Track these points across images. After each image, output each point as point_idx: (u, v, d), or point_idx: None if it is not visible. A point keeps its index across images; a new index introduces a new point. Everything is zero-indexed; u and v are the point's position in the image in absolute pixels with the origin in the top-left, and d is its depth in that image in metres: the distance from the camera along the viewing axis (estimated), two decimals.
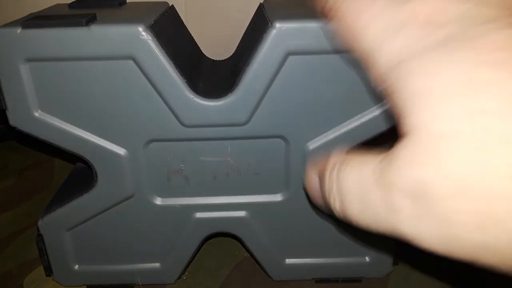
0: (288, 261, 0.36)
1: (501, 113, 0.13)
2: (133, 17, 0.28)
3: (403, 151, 0.15)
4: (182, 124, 0.29)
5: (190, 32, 0.38)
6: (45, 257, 0.34)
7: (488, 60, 0.13)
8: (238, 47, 0.37)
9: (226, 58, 0.38)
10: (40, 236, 0.33)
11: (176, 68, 0.27)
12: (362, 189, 0.16)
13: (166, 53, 0.27)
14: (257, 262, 0.36)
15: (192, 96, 0.28)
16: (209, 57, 0.39)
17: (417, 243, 0.15)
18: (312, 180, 0.20)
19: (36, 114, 0.29)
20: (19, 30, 0.26)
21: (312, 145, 0.30)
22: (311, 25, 0.27)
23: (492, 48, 0.14)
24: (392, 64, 0.16)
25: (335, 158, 0.18)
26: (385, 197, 0.15)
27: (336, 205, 0.17)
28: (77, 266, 0.35)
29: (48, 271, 0.35)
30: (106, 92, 0.28)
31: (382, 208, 0.15)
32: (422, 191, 0.14)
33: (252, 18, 0.36)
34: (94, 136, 0.30)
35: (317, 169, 0.20)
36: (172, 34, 0.31)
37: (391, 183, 0.15)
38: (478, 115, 0.13)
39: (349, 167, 0.17)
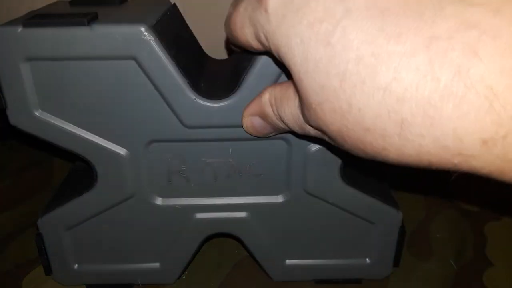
0: (289, 262, 0.36)
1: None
2: (135, 17, 0.28)
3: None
4: (183, 125, 0.29)
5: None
6: (45, 256, 0.34)
7: None
8: None
9: (228, 56, 0.38)
10: (39, 235, 0.33)
11: (178, 68, 0.27)
12: (296, 118, 0.23)
13: (168, 53, 0.27)
14: (257, 262, 0.36)
15: (194, 97, 0.28)
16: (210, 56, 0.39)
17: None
18: (254, 121, 0.27)
19: (37, 114, 0.29)
20: (19, 29, 0.26)
21: (314, 147, 0.30)
22: None
23: None
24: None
25: (269, 98, 0.25)
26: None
27: (285, 126, 0.25)
28: (76, 265, 0.35)
29: (48, 271, 0.35)
30: (107, 92, 0.28)
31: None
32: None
33: None
34: (95, 136, 0.30)
35: (253, 112, 0.27)
36: (174, 33, 0.31)
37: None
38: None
39: (284, 106, 0.24)
